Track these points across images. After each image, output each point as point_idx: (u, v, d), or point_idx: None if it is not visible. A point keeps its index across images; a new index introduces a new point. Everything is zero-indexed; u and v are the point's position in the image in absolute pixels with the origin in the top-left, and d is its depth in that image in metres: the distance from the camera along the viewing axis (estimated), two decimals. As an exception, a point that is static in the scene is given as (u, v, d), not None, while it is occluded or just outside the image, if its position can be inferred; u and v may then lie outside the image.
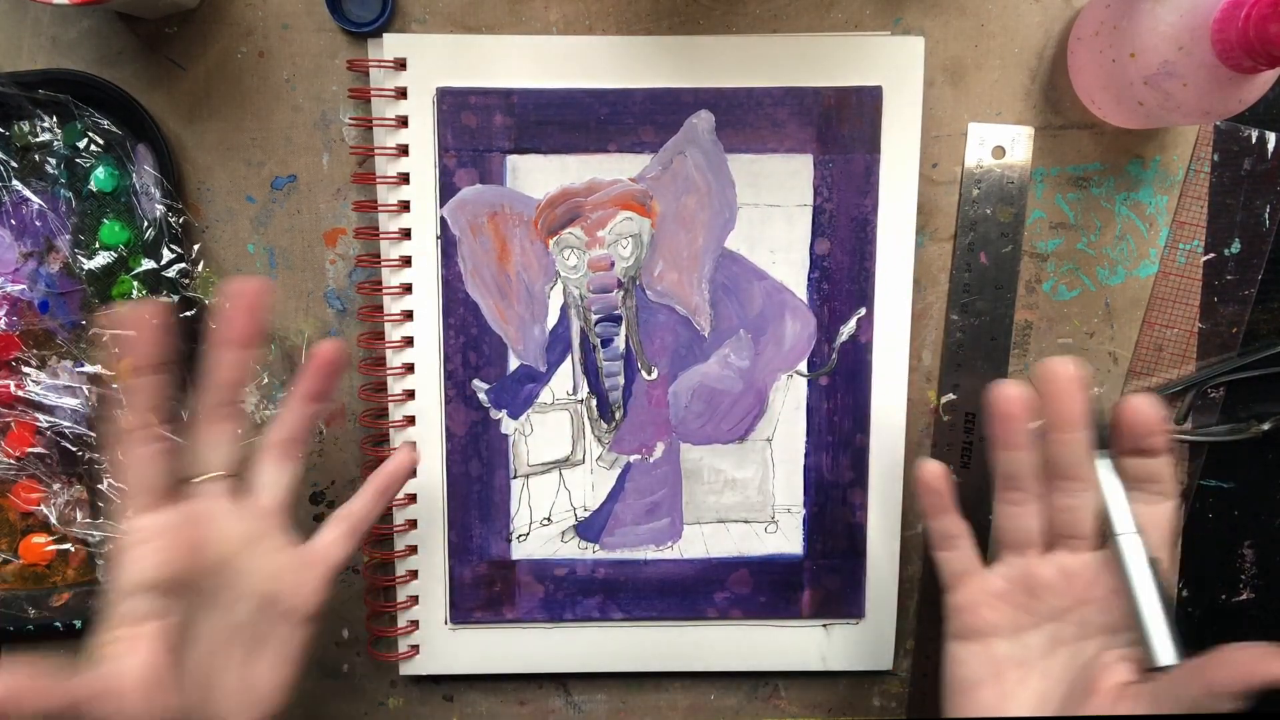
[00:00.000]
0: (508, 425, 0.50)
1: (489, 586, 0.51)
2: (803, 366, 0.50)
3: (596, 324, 0.50)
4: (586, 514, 0.51)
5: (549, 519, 0.51)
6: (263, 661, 0.41)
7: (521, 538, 0.51)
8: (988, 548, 0.53)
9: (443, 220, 0.48)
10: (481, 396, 0.50)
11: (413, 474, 0.47)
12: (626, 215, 0.49)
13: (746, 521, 0.51)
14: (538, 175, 0.48)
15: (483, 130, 0.48)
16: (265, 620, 0.41)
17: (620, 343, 0.50)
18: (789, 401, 0.50)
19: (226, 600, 0.40)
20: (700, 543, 0.51)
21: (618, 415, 0.50)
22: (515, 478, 0.51)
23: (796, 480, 0.51)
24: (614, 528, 0.51)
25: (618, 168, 0.49)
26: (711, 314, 0.50)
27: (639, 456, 0.51)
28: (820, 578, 0.51)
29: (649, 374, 0.50)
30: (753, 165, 0.49)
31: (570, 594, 0.51)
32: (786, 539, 0.51)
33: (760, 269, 0.49)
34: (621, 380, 0.50)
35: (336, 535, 0.43)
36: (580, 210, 0.49)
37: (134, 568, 0.38)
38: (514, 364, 0.50)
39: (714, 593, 0.51)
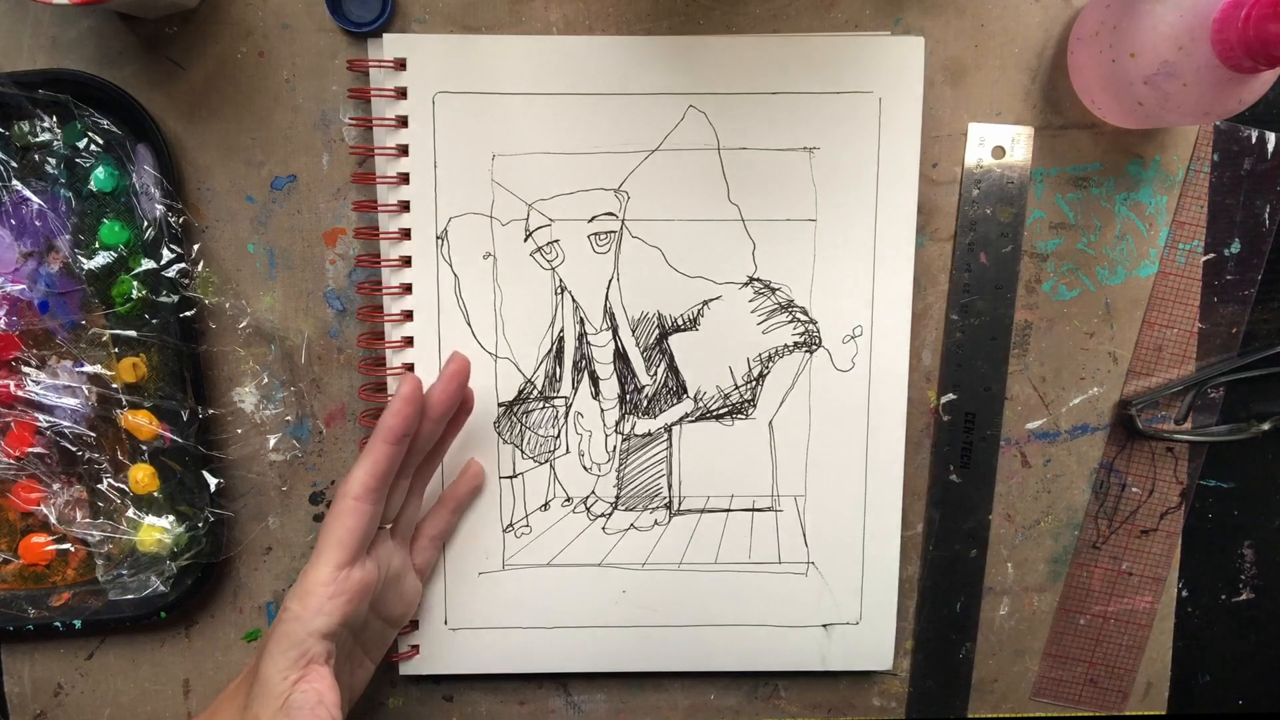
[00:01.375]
0: (503, 424, 0.50)
1: (488, 586, 0.51)
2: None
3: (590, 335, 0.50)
4: (583, 497, 0.51)
5: (545, 506, 0.51)
6: (368, 660, 0.48)
7: (522, 532, 0.51)
8: (988, 546, 0.53)
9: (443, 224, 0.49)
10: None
11: (480, 488, 0.51)
12: (606, 213, 0.49)
13: (748, 510, 0.51)
14: (536, 175, 0.48)
15: (482, 130, 0.48)
16: (384, 632, 0.48)
17: (612, 340, 0.50)
18: (796, 386, 0.50)
19: (367, 622, 0.46)
20: (700, 542, 0.51)
21: (613, 394, 0.50)
22: (514, 476, 0.51)
23: (798, 466, 0.51)
24: (611, 510, 0.51)
25: (616, 167, 0.48)
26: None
27: (637, 438, 0.51)
28: (824, 580, 0.51)
29: (644, 376, 0.50)
30: (751, 164, 0.49)
31: (570, 593, 0.52)
32: (790, 540, 0.51)
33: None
34: (611, 370, 0.50)
35: (432, 554, 0.50)
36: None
37: (322, 619, 0.42)
38: (507, 368, 0.50)
39: (715, 593, 0.52)
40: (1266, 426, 0.51)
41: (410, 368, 0.50)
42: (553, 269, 0.49)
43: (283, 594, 0.52)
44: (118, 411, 0.49)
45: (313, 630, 0.41)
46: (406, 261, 0.49)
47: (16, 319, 0.49)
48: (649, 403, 0.51)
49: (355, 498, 0.43)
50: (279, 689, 0.40)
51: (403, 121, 0.48)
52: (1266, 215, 0.50)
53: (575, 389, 0.51)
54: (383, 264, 0.49)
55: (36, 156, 0.48)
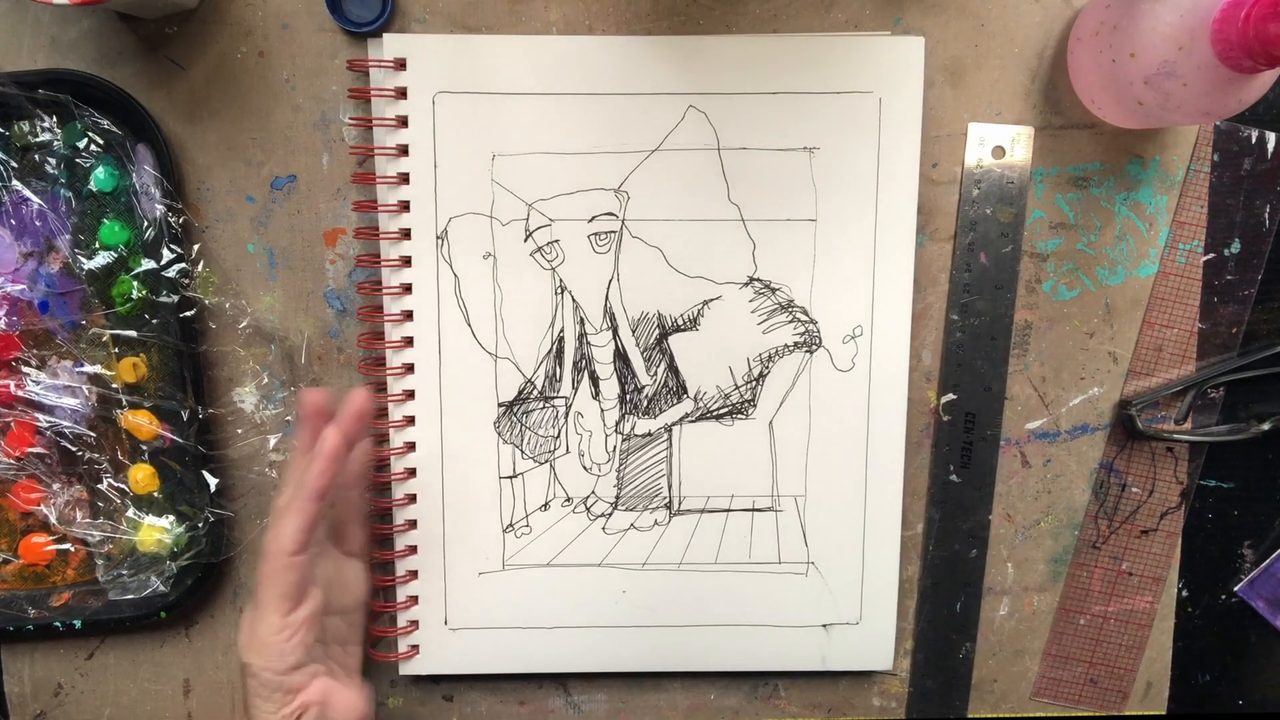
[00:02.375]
0: (504, 423, 0.50)
1: (488, 586, 0.51)
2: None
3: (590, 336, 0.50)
4: (583, 496, 0.51)
5: (545, 506, 0.51)
6: (351, 646, 0.49)
7: (522, 532, 0.51)
8: (988, 546, 0.53)
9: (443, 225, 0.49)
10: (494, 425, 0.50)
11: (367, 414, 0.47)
12: (606, 213, 0.49)
13: (748, 510, 0.51)
14: (536, 175, 0.48)
15: (482, 130, 0.48)
16: (349, 621, 0.49)
17: (611, 337, 0.50)
18: (796, 386, 0.50)
19: (326, 625, 0.47)
20: (700, 542, 0.51)
21: (613, 394, 0.51)
22: (514, 476, 0.51)
23: (798, 466, 0.51)
24: (611, 510, 0.51)
25: (616, 167, 0.48)
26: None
27: (637, 438, 0.51)
28: (824, 580, 0.51)
29: (644, 376, 0.50)
30: (751, 164, 0.49)
31: (570, 593, 0.52)
32: (790, 540, 0.51)
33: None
34: (611, 370, 0.50)
35: (360, 531, 0.49)
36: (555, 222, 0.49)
37: (287, 659, 0.43)
38: (507, 368, 0.50)
39: (715, 593, 0.52)
40: (1266, 426, 0.51)
41: (410, 368, 0.50)
42: (553, 269, 0.49)
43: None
44: (118, 411, 0.49)
45: (282, 671, 0.43)
46: (406, 261, 0.49)
47: (16, 319, 0.49)
48: (649, 403, 0.51)
49: (290, 554, 0.43)
50: None
51: (403, 121, 0.48)
52: (1266, 215, 0.50)
53: (575, 389, 0.51)
54: (383, 264, 0.49)
55: (36, 156, 0.48)
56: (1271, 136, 0.50)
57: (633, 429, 0.51)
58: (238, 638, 0.45)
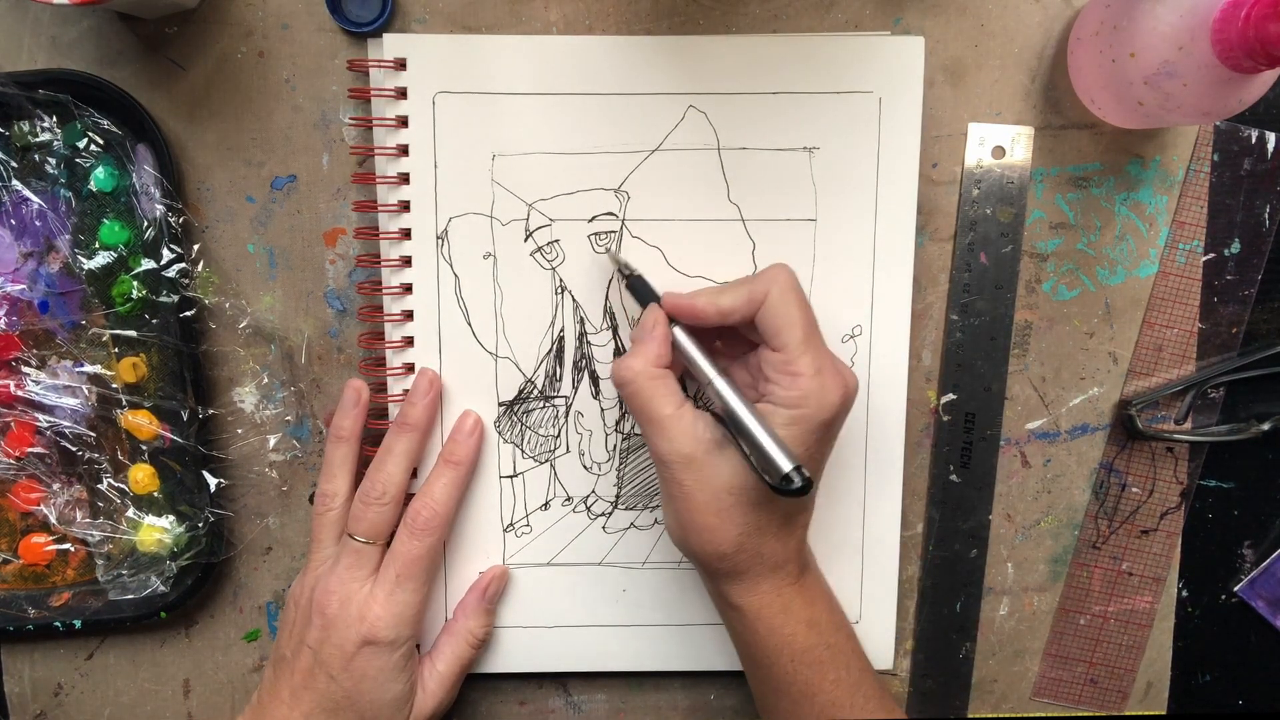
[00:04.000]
0: (504, 423, 0.50)
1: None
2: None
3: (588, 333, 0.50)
4: (583, 496, 0.51)
5: (546, 505, 0.51)
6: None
7: (522, 531, 0.51)
8: (988, 546, 0.53)
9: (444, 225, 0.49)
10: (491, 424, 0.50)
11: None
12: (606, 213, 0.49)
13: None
14: (536, 175, 0.48)
15: (482, 130, 0.48)
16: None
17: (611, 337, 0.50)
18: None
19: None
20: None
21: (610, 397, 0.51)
22: (514, 476, 0.51)
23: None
24: (611, 509, 0.51)
25: (616, 167, 0.48)
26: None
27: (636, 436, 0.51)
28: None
29: None
30: (751, 164, 0.49)
31: (570, 592, 0.51)
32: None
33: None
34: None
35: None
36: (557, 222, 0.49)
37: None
38: (508, 368, 0.50)
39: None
40: (1266, 426, 0.51)
41: (410, 368, 0.50)
42: (553, 269, 0.49)
43: (282, 594, 0.52)
44: (118, 411, 0.49)
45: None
46: (407, 261, 0.49)
47: (16, 319, 0.49)
48: (649, 403, 0.51)
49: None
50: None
51: (403, 121, 0.48)
52: (1266, 215, 0.50)
53: (575, 388, 0.51)
54: (383, 264, 0.49)
55: (36, 156, 0.48)
56: (1271, 136, 0.50)
57: (633, 428, 0.51)
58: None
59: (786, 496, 0.40)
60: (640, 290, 0.46)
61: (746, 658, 0.47)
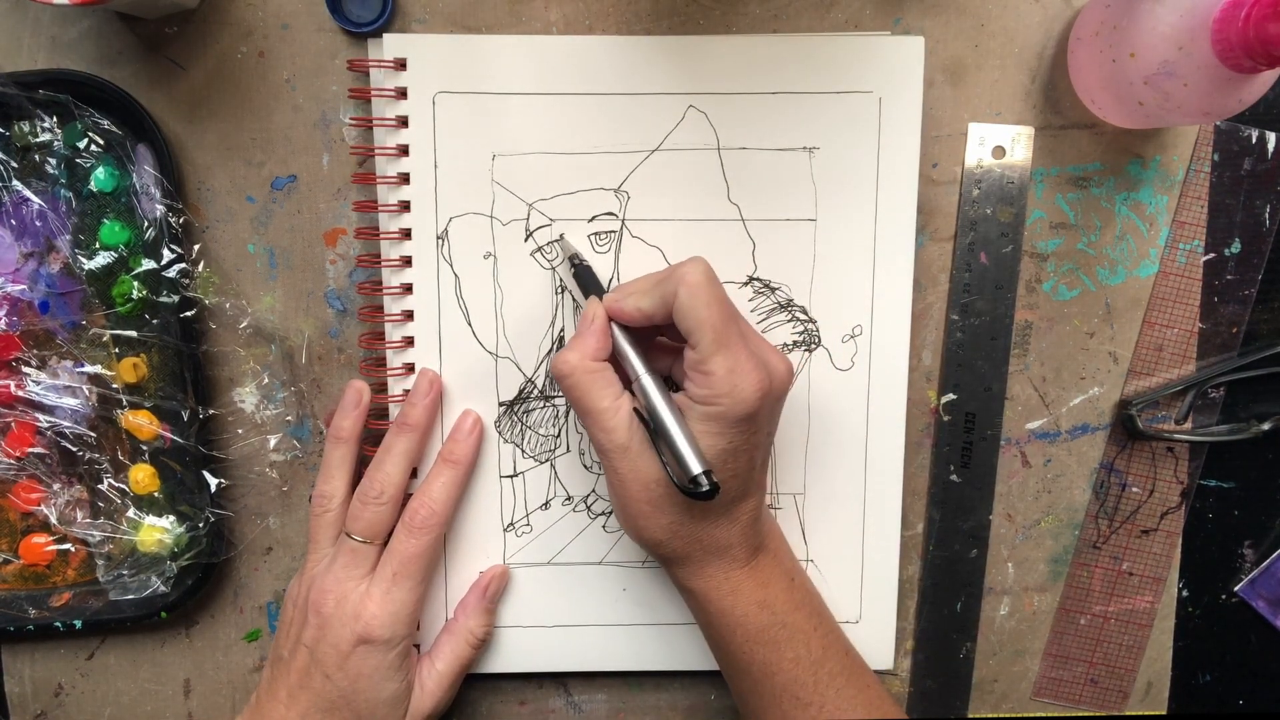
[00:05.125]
0: (503, 423, 0.50)
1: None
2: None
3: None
4: (584, 495, 0.51)
5: (546, 505, 0.51)
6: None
7: (523, 531, 0.51)
8: (988, 546, 0.53)
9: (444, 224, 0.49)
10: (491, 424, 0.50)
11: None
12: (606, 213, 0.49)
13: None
14: (536, 175, 0.48)
15: (482, 130, 0.48)
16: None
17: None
18: (795, 385, 0.50)
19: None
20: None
21: None
22: (514, 475, 0.51)
23: (798, 464, 0.51)
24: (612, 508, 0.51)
25: (616, 167, 0.48)
26: None
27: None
28: (823, 579, 0.51)
29: None
30: (751, 164, 0.49)
31: (570, 592, 0.51)
32: (789, 539, 0.51)
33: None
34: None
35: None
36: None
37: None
38: (508, 368, 0.50)
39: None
40: (1266, 426, 0.51)
41: (411, 368, 0.50)
42: (553, 268, 0.49)
43: (282, 594, 0.52)
44: (118, 411, 0.49)
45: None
46: (407, 261, 0.49)
47: (17, 319, 0.49)
48: (649, 403, 0.51)
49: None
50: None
51: (403, 122, 0.48)
52: (1266, 215, 0.50)
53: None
54: (383, 264, 0.49)
55: (36, 156, 0.48)
56: (1271, 136, 0.50)
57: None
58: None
59: (694, 499, 0.40)
60: (585, 281, 0.47)
61: (708, 639, 0.48)
